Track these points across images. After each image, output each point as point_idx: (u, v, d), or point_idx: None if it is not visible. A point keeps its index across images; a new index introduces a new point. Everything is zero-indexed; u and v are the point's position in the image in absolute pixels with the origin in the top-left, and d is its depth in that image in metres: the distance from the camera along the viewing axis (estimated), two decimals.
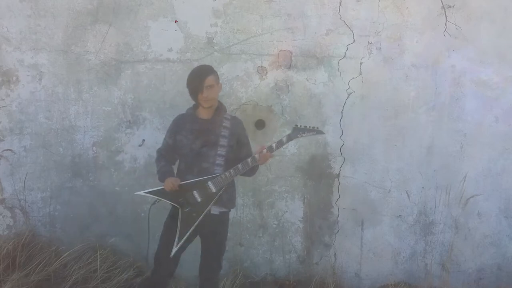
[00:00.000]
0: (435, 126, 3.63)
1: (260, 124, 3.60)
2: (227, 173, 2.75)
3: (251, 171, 2.85)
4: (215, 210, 2.80)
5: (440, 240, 3.71)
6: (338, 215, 3.68)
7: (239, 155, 2.85)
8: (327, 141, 3.62)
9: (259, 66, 3.56)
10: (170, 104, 3.51)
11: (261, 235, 3.68)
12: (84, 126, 3.55)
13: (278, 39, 3.53)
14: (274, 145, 2.79)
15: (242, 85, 3.57)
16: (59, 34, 3.48)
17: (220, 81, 2.85)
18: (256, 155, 2.76)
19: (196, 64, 3.49)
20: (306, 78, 3.58)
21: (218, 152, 2.80)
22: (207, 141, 2.80)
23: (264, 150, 2.76)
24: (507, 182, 3.70)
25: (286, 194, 3.66)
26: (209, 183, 2.73)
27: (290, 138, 2.82)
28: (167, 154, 2.91)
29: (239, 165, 2.75)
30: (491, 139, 3.66)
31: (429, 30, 3.57)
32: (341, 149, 3.63)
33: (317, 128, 2.86)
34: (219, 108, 2.86)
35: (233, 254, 3.63)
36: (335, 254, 3.70)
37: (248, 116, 3.57)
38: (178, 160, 2.92)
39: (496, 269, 3.77)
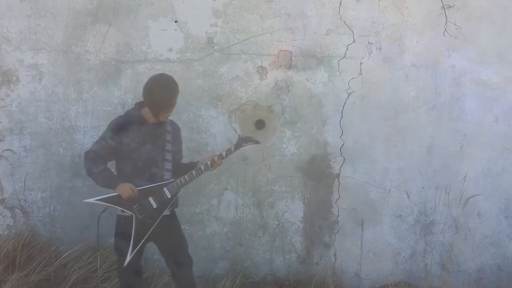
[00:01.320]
0: (435, 126, 3.63)
1: (260, 124, 3.60)
2: (182, 179, 2.78)
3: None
4: (166, 211, 2.81)
5: (440, 240, 3.71)
6: (338, 215, 3.68)
7: (177, 158, 2.93)
8: (327, 141, 3.62)
9: (259, 66, 3.56)
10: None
11: (261, 235, 3.68)
12: (84, 126, 3.55)
13: (278, 39, 3.53)
14: (224, 153, 2.92)
15: (242, 85, 3.57)
16: (59, 34, 3.48)
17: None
18: (209, 162, 2.85)
19: (196, 64, 3.51)
20: (306, 78, 3.58)
21: (166, 157, 2.81)
22: (155, 145, 2.80)
23: (215, 158, 2.87)
24: (507, 182, 3.70)
25: (286, 194, 3.66)
26: (165, 189, 2.74)
27: (237, 147, 2.96)
28: (106, 156, 2.76)
29: (193, 172, 2.81)
30: (491, 139, 3.66)
31: (429, 30, 3.57)
32: (341, 149, 3.63)
33: (255, 139, 3.06)
34: None
35: (233, 254, 3.64)
36: (335, 254, 3.70)
37: (248, 116, 3.57)
38: (119, 163, 2.82)
39: (496, 269, 3.77)
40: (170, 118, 2.93)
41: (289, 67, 3.57)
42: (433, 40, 3.57)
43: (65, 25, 3.47)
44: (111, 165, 2.83)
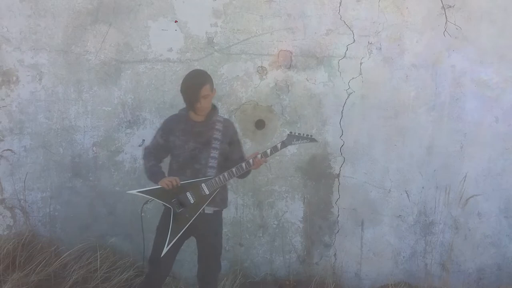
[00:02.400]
0: (435, 126, 3.64)
1: (260, 124, 3.60)
2: (221, 176, 2.78)
3: (244, 175, 2.90)
4: (208, 209, 2.82)
5: (440, 240, 3.71)
6: (338, 215, 3.68)
7: (231, 157, 2.90)
8: (327, 141, 3.62)
9: (259, 66, 3.56)
10: (170, 104, 3.51)
11: (261, 235, 3.68)
12: (84, 126, 3.55)
13: (278, 39, 3.53)
14: (268, 151, 2.84)
15: (242, 85, 3.57)
16: (59, 34, 3.48)
17: (214, 87, 2.84)
18: (251, 160, 2.80)
19: (196, 64, 3.51)
20: (306, 78, 3.58)
21: (211, 154, 2.82)
22: (200, 143, 2.81)
23: (259, 155, 2.81)
24: (507, 182, 3.70)
25: (286, 194, 3.66)
26: (203, 185, 2.76)
27: (284, 144, 2.88)
28: (156, 153, 2.90)
29: (233, 169, 2.79)
30: (491, 139, 3.66)
31: (429, 30, 3.57)
32: (341, 149, 3.63)
33: (311, 136, 2.93)
34: (212, 111, 2.86)
35: (233, 254, 3.64)
36: (335, 254, 3.70)
37: (248, 116, 3.58)
38: (170, 160, 2.91)
39: (496, 269, 3.78)
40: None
41: (289, 67, 3.57)
42: (433, 40, 3.57)
43: (65, 25, 3.47)
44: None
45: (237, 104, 3.57)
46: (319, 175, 3.65)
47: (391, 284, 3.59)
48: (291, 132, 2.92)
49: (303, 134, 2.91)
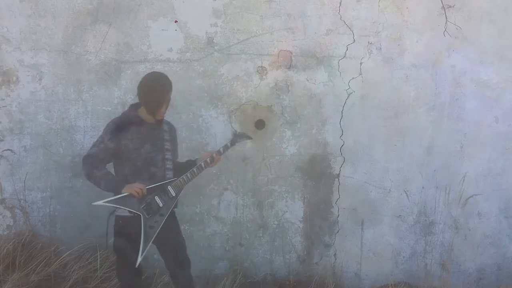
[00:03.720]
0: (435, 126, 3.64)
1: (260, 124, 3.60)
2: (184, 177, 2.82)
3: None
4: None
5: (440, 240, 3.71)
6: (338, 215, 3.68)
7: (175, 157, 2.97)
8: (327, 141, 3.62)
9: (259, 66, 3.56)
10: (170, 104, 3.50)
11: (261, 235, 3.68)
12: (84, 126, 3.55)
13: (278, 39, 3.53)
14: (221, 149, 3.01)
15: (242, 85, 3.57)
16: (59, 34, 3.48)
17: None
18: (208, 159, 2.91)
19: (196, 64, 3.51)
20: (306, 78, 3.58)
21: (166, 156, 2.84)
22: (154, 145, 2.81)
23: (214, 154, 2.94)
24: (507, 182, 3.71)
25: (286, 194, 3.66)
26: (169, 187, 2.78)
27: (233, 142, 3.08)
28: (106, 159, 2.76)
29: (195, 169, 2.87)
30: (491, 139, 3.66)
31: (429, 30, 3.57)
32: (341, 149, 3.63)
33: (248, 135, 3.21)
34: None
35: (233, 254, 3.64)
36: (335, 254, 3.70)
37: (248, 116, 3.58)
38: (117, 165, 2.82)
39: (496, 269, 3.78)
40: (169, 118, 2.94)
41: (289, 67, 3.57)
42: (433, 40, 3.57)
43: (65, 25, 3.47)
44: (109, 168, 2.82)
45: (237, 104, 3.57)
46: (319, 175, 3.65)
47: (391, 284, 3.59)
48: (234, 132, 3.27)
49: (244, 133, 3.20)
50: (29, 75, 3.49)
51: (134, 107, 2.86)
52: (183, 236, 2.99)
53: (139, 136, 2.77)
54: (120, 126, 2.77)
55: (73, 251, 3.36)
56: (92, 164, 2.70)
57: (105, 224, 3.55)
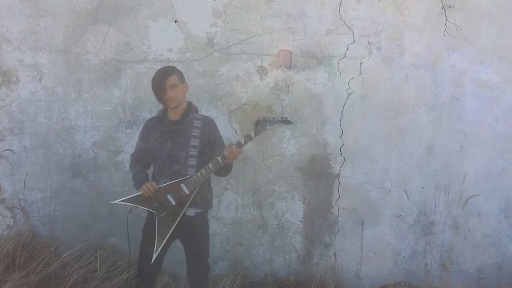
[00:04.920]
0: (435, 126, 3.64)
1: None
2: (199, 174, 2.71)
3: (224, 170, 2.81)
4: (190, 211, 2.78)
5: (440, 240, 3.71)
6: (338, 215, 3.68)
7: (213, 155, 2.77)
8: (327, 141, 3.62)
9: (259, 66, 3.56)
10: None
11: (261, 235, 3.68)
12: (84, 126, 3.55)
13: (278, 39, 3.53)
14: (242, 140, 2.73)
15: (242, 85, 3.57)
16: (59, 34, 3.48)
17: (186, 82, 2.81)
18: (225, 153, 2.69)
19: (196, 64, 3.51)
20: (306, 78, 3.58)
21: (190, 153, 2.76)
22: (176, 142, 2.78)
23: (233, 147, 2.70)
24: (507, 182, 3.71)
25: (286, 194, 3.66)
26: (182, 185, 2.71)
27: (258, 131, 2.73)
28: (141, 159, 2.90)
29: (210, 164, 2.70)
30: (491, 139, 3.66)
31: (429, 30, 3.57)
32: (341, 149, 3.63)
33: (286, 117, 2.80)
34: (188, 109, 2.83)
35: (233, 254, 3.64)
36: (335, 254, 3.70)
37: (248, 116, 3.57)
38: (153, 165, 2.89)
39: (496, 269, 3.78)
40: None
41: (289, 67, 3.57)
42: (433, 40, 3.57)
43: (65, 25, 3.47)
44: None
45: (237, 104, 3.57)
46: (319, 175, 3.65)
47: (391, 284, 3.59)
48: (264, 117, 2.77)
49: (276, 118, 2.78)
50: (29, 75, 3.49)
51: (164, 108, 2.86)
52: (208, 242, 2.92)
53: (161, 135, 2.80)
54: (147, 126, 2.88)
55: (73, 251, 3.36)
56: (130, 164, 2.96)
57: (105, 223, 3.59)
